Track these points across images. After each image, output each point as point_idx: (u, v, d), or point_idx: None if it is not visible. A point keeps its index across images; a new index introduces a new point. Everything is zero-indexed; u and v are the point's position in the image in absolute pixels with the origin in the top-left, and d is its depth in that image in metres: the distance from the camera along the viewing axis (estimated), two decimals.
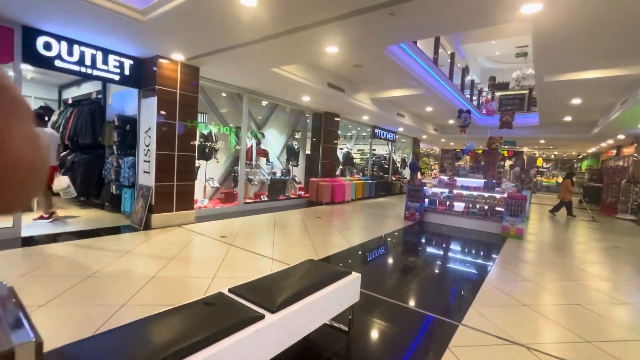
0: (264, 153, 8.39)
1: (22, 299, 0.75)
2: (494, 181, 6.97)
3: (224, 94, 7.36)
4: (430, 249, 5.40)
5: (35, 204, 5.73)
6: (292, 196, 9.21)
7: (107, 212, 6.14)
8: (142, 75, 5.24)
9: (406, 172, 16.34)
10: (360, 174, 12.99)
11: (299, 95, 7.69)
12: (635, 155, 12.52)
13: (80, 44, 4.57)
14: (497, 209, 6.59)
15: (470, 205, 6.95)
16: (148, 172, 5.24)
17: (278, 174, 8.94)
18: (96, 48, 4.72)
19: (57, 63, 4.40)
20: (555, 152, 23.08)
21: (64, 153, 6.84)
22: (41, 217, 5.12)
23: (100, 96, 6.60)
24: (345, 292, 2.24)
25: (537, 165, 21.96)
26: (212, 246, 4.43)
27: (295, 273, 2.22)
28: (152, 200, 5.14)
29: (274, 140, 9.06)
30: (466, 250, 5.43)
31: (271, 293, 1.87)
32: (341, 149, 11.96)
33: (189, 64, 5.41)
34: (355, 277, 2.34)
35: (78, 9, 3.57)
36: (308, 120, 10.04)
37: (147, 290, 2.89)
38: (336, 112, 9.88)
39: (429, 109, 10.57)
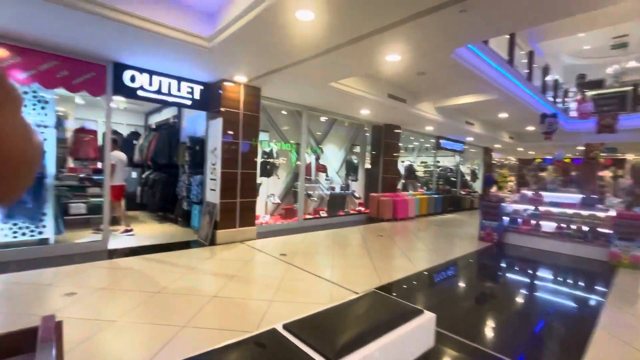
0: (323, 168, 8.33)
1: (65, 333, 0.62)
2: (594, 196, 5.80)
3: (284, 112, 7.53)
4: (516, 277, 4.61)
5: (122, 218, 6.44)
6: (352, 212, 8.93)
7: (179, 227, 6.59)
8: (209, 99, 5.58)
9: (477, 186, 14.87)
10: (425, 188, 12.16)
11: (357, 109, 7.50)
12: None
13: (158, 74, 5.04)
14: (601, 230, 5.42)
15: (564, 225, 5.86)
16: (214, 190, 5.49)
17: (337, 189, 8.77)
18: (171, 77, 5.17)
19: (140, 93, 4.90)
20: None
21: (147, 172, 7.64)
22: (125, 231, 5.68)
23: (176, 120, 7.26)
24: (417, 336, 1.88)
25: None
26: (272, 265, 4.36)
27: (357, 308, 1.94)
28: (217, 217, 5.34)
29: (333, 155, 8.96)
30: (563, 281, 4.50)
31: (330, 334, 1.62)
32: (402, 162, 11.38)
33: (251, 85, 5.62)
34: (429, 318, 1.97)
35: (155, 42, 3.91)
36: (367, 134, 9.76)
37: (207, 311, 2.87)
38: (397, 124, 9.43)
39: (503, 115, 9.48)
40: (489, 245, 6.24)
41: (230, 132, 5.44)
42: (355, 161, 9.09)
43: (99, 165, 8.18)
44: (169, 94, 5.18)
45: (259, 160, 6.61)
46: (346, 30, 3.38)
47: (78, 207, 5.63)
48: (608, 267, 4.96)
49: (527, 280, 4.49)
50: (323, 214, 8.03)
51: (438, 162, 13.17)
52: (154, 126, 8.45)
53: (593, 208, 5.72)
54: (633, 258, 4.85)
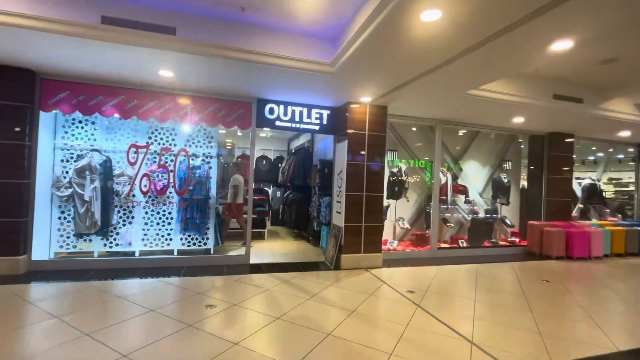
0: (461, 189, 7.17)
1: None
2: None
3: (414, 129, 6.94)
4: None
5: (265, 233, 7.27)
6: (502, 243, 7.27)
7: (310, 245, 6.89)
8: (336, 122, 5.66)
9: None
10: (619, 215, 8.82)
11: (507, 117, 6.13)
12: None
13: (292, 104, 5.47)
14: None
15: None
16: (339, 212, 5.44)
17: (481, 214, 7.36)
18: (302, 105, 5.52)
19: (277, 123, 5.42)
20: None
21: (287, 193, 8.45)
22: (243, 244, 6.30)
23: (309, 145, 7.79)
24: None
25: None
26: (397, 303, 3.84)
27: None
28: (342, 240, 5.24)
29: (475, 174, 7.63)
30: None
31: None
32: (580, 179, 8.63)
33: (376, 104, 5.39)
34: None
35: (287, 75, 4.21)
36: (522, 146, 7.91)
37: (319, 351, 2.66)
38: (568, 132, 7.26)
39: None
40: None
41: (354, 154, 5.31)
42: (506, 180, 7.44)
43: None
44: (301, 122, 5.53)
45: (385, 181, 6.24)
46: (483, 26, 2.67)
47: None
48: None
49: None
50: (462, 243, 6.83)
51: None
52: (293, 151, 9.39)
53: None
54: None
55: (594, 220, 7.82)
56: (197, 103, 5.07)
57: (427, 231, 6.61)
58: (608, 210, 8.84)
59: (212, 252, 5.48)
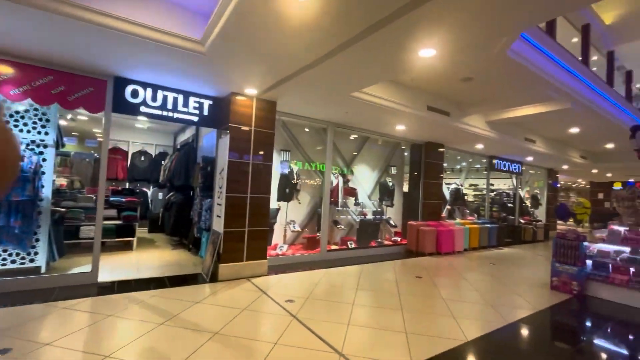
0: (351, 192, 7.36)
1: None
2: None
3: (307, 129, 6.81)
4: (612, 357, 3.17)
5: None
6: (387, 242, 7.74)
7: (191, 255, 6.00)
8: (219, 115, 5.04)
9: (540, 213, 12.72)
10: (475, 215, 10.52)
11: (391, 124, 6.52)
12: None
13: (164, 89, 4.61)
14: None
15: None
16: (220, 216, 4.82)
17: (369, 216, 7.70)
18: (178, 92, 4.72)
19: (143, 109, 4.48)
20: None
21: (169, 194, 7.31)
22: None
23: (193, 139, 6.89)
24: None
25: None
26: (272, 316, 3.46)
27: None
28: (221, 248, 4.63)
29: (364, 177, 7.98)
30: None
31: None
32: (448, 184, 9.97)
33: (264, 99, 4.98)
34: None
35: (146, 49, 3.42)
36: (405, 153, 8.66)
37: None
38: (440, 142, 8.23)
39: (574, 129, 7.82)
40: (566, 298, 4.71)
41: (237, 152, 4.79)
42: (391, 184, 7.98)
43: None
44: (175, 110, 4.71)
45: (275, 182, 5.89)
46: (353, 16, 2.53)
47: (88, 231, 5.32)
48: None
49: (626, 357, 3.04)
50: (351, 244, 6.99)
51: (492, 185, 11.46)
52: (178, 146, 8.26)
53: None
54: None
55: (458, 220, 9.09)
56: (23, 72, 3.77)
57: (318, 234, 6.52)
58: (468, 211, 10.46)
59: (43, 270, 4.16)
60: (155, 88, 4.54)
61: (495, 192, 11.91)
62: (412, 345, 2.93)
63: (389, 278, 5.24)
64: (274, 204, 6.09)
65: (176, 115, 4.72)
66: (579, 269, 4.81)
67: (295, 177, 6.26)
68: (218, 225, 4.84)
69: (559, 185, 15.09)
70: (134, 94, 4.41)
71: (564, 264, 4.94)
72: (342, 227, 7.24)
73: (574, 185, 20.79)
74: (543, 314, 4.08)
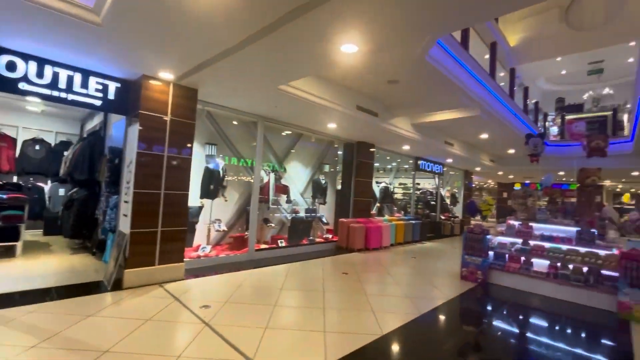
0: (283, 189, 7.20)
1: None
2: (593, 230, 4.93)
3: (235, 122, 6.44)
4: (509, 336, 3.55)
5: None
6: (319, 240, 7.76)
7: (95, 260, 5.22)
8: (129, 100, 4.43)
9: (458, 210, 14.11)
10: (402, 212, 11.21)
11: (323, 122, 6.52)
12: None
13: (54, 64, 3.87)
14: (606, 273, 4.51)
15: (559, 264, 4.92)
16: (126, 216, 4.24)
17: (301, 213, 7.63)
18: (74, 69, 4.01)
19: (22, 86, 3.69)
20: None
21: (72, 190, 6.26)
22: None
23: (101, 127, 6.02)
24: None
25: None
26: (180, 325, 3.12)
27: None
28: (127, 251, 4.07)
29: (298, 175, 7.89)
30: (565, 340, 3.47)
31: None
32: (378, 183, 10.44)
33: (183, 85, 4.52)
34: None
35: (48, 21, 2.78)
36: (339, 152, 8.80)
37: None
38: (370, 142, 8.52)
39: (484, 135, 8.78)
40: (472, 286, 5.20)
41: (148, 143, 4.26)
42: (324, 182, 8.03)
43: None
44: (70, 91, 3.99)
45: (197, 178, 5.44)
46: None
47: None
48: (618, 321, 4.00)
49: (520, 334, 3.44)
50: (282, 242, 6.83)
51: (418, 184, 12.35)
52: (85, 135, 7.16)
53: (592, 245, 4.83)
54: None
55: (386, 217, 9.56)
56: None
57: (246, 233, 6.22)
58: (396, 208, 11.10)
59: None
60: (42, 62, 3.79)
61: (420, 191, 12.87)
62: (329, 345, 2.88)
63: (316, 276, 5.21)
64: (196, 201, 5.63)
65: (71, 97, 4.00)
66: (483, 260, 5.36)
67: (221, 172, 5.86)
68: (124, 225, 4.25)
69: (473, 185, 16.99)
70: (11, 66, 3.61)
71: (471, 255, 5.46)
72: (273, 225, 7.03)
73: (485, 185, 23.65)
74: (452, 302, 4.43)
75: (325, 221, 8.15)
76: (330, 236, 8.04)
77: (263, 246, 6.54)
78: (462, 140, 9.77)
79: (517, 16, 9.23)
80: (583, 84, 14.75)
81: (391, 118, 6.80)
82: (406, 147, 9.06)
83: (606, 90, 14.24)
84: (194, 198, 5.42)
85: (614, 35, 8.39)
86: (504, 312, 4.35)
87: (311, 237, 7.64)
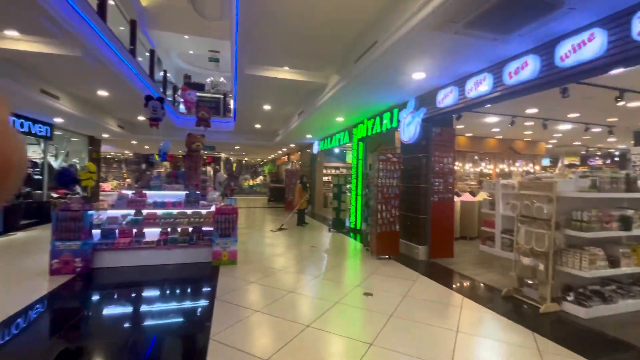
0: None
1: None
2: (198, 192, 5.31)
3: None
4: (115, 317, 2.77)
5: None
6: None
7: None
8: None
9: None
10: None
11: None
12: (300, 161, 15.98)
13: None
14: (206, 229, 4.98)
15: (170, 229, 4.87)
16: None
17: None
18: None
19: None
20: (246, 158, 26.28)
21: None
22: None
23: None
24: None
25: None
26: None
27: None
28: None
29: None
30: (170, 297, 3.31)
31: None
32: None
33: None
34: None
35: None
36: None
37: None
38: None
39: (103, 92, 7.33)
40: (68, 280, 3.93)
41: None
42: None
43: None
44: None
45: None
46: None
47: None
48: (212, 269, 4.50)
49: (130, 314, 2.83)
50: None
51: None
52: None
53: (197, 205, 5.21)
54: (231, 254, 4.71)
55: None
56: None
57: None
58: None
59: None
60: None
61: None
62: None
63: None
64: None
65: None
66: (83, 242, 4.20)
67: None
68: None
69: (108, 156, 14.74)
70: None
71: (66, 241, 4.11)
72: None
73: (123, 157, 21.78)
74: (38, 304, 2.96)
75: None
76: None
77: None
78: (75, 94, 7.65)
79: None
80: (207, 69, 17.08)
81: None
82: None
83: (222, 79, 17.41)
84: None
85: (225, 31, 9.88)
86: (111, 297, 3.56)
87: None
